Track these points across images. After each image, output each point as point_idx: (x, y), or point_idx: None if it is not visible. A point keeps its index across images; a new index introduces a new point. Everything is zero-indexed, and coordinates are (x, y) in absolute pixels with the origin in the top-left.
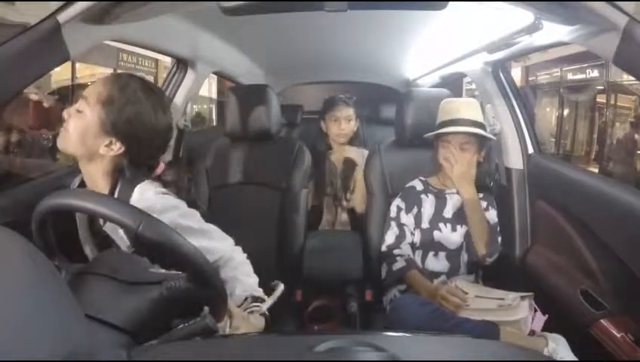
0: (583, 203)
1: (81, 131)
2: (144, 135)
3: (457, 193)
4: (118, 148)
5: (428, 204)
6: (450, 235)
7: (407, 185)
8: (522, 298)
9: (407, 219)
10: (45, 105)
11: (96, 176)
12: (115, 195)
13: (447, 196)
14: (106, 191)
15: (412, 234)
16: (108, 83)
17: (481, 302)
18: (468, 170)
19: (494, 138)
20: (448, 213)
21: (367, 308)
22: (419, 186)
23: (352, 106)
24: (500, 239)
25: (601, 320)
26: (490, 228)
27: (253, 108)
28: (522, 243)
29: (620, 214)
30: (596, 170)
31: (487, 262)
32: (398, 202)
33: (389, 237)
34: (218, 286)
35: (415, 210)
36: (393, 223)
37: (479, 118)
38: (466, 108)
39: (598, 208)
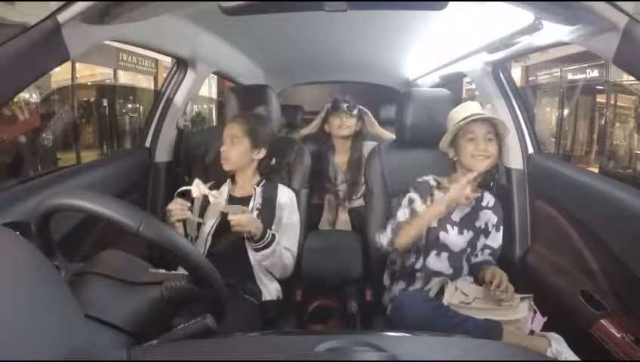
0: (583, 203)
1: (241, 152)
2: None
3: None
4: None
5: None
6: (457, 238)
7: (419, 179)
8: (522, 299)
9: (422, 208)
10: (20, 117)
11: (249, 178)
12: (259, 190)
13: None
14: (252, 188)
15: None
16: (239, 121)
17: (480, 302)
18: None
19: (509, 131)
20: (456, 216)
21: (367, 308)
22: (432, 182)
23: (354, 117)
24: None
25: (601, 320)
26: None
27: (253, 108)
28: (522, 243)
29: (620, 214)
30: (596, 170)
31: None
32: (411, 194)
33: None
34: (218, 287)
35: (429, 202)
36: (407, 209)
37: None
38: (480, 108)
39: (598, 208)
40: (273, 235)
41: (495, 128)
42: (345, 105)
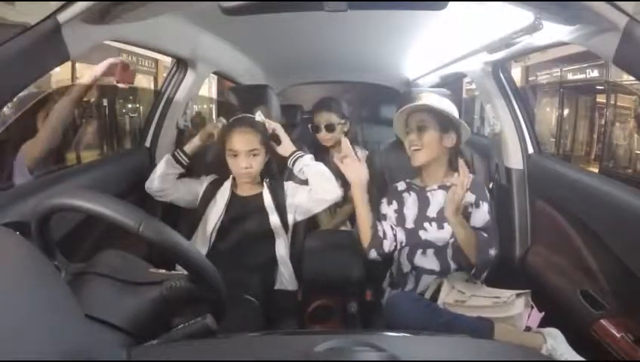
0: (583, 203)
1: (261, 163)
2: None
3: (439, 188)
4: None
5: (410, 203)
6: (437, 233)
7: (392, 185)
8: (518, 295)
9: (388, 210)
10: (131, 68)
11: (253, 180)
12: (267, 188)
13: (428, 194)
14: (255, 186)
15: (392, 228)
16: (251, 131)
17: (477, 299)
18: (433, 154)
19: (450, 114)
20: (432, 212)
21: (367, 308)
22: (401, 186)
23: (334, 112)
24: (493, 247)
25: (601, 320)
26: (475, 233)
27: (253, 108)
28: (522, 243)
29: (620, 214)
30: (596, 170)
31: (482, 271)
32: (383, 201)
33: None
34: (218, 287)
35: (395, 205)
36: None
37: (440, 105)
38: (426, 96)
39: (598, 208)
40: (300, 157)
41: (438, 116)
42: (323, 125)
